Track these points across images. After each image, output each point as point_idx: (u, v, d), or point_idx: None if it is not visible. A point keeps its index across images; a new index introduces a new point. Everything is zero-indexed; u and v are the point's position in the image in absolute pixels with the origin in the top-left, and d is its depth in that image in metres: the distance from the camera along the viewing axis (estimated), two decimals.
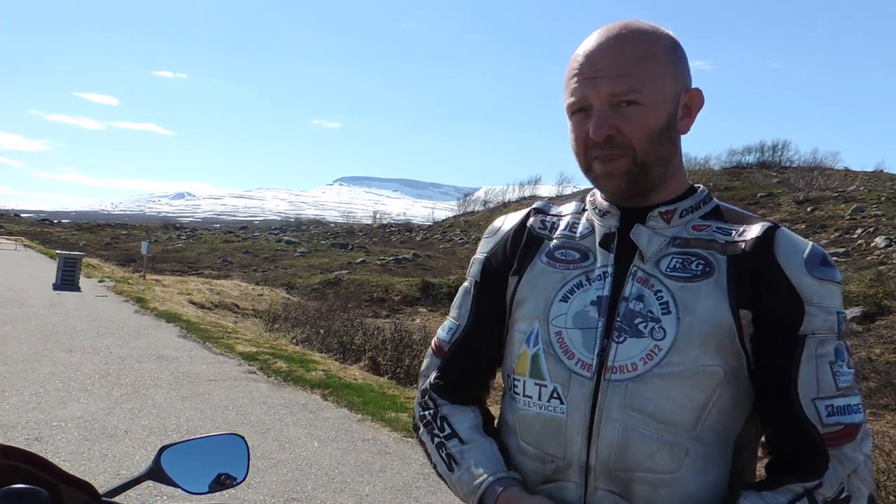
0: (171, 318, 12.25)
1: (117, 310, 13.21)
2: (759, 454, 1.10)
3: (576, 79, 1.05)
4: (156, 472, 1.09)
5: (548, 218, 1.19)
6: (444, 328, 1.23)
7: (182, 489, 1.09)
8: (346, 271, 33.83)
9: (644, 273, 1.04)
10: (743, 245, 1.03)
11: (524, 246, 1.16)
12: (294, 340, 11.77)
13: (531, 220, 1.20)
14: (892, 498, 4.25)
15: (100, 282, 19.06)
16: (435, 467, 1.15)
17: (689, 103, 1.08)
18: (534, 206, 1.23)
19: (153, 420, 5.59)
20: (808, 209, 30.44)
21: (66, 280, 16.57)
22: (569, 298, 1.07)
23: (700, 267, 1.02)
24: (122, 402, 6.07)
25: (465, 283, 1.24)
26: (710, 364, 0.98)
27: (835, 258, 21.03)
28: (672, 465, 0.97)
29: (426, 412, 1.18)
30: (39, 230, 61.83)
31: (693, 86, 1.09)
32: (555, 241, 1.14)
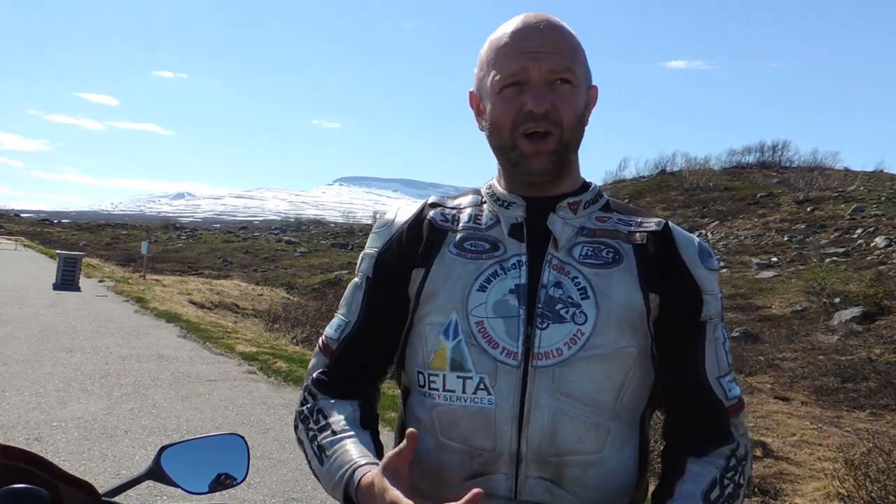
0: (171, 318, 12.25)
1: (117, 310, 13.21)
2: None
3: (511, 53, 1.06)
4: (156, 472, 1.09)
5: (447, 210, 1.17)
6: (331, 326, 1.18)
7: (182, 489, 1.09)
8: (346, 271, 33.81)
9: (559, 261, 1.07)
10: (645, 236, 1.11)
11: (427, 239, 1.13)
12: (294, 340, 11.77)
13: (430, 212, 1.16)
14: (892, 498, 4.25)
15: (100, 282, 19.06)
16: (310, 464, 1.09)
17: (590, 99, 1.15)
18: (428, 200, 1.20)
19: (153, 420, 5.60)
20: (808, 209, 30.43)
21: (66, 280, 16.57)
22: (486, 288, 1.06)
23: (610, 255, 1.08)
24: (122, 402, 6.08)
25: (356, 279, 1.19)
26: (627, 345, 1.04)
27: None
28: (597, 445, 1.02)
29: (304, 407, 1.13)
30: (39, 230, 61.86)
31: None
32: (461, 232, 1.12)
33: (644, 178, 46.24)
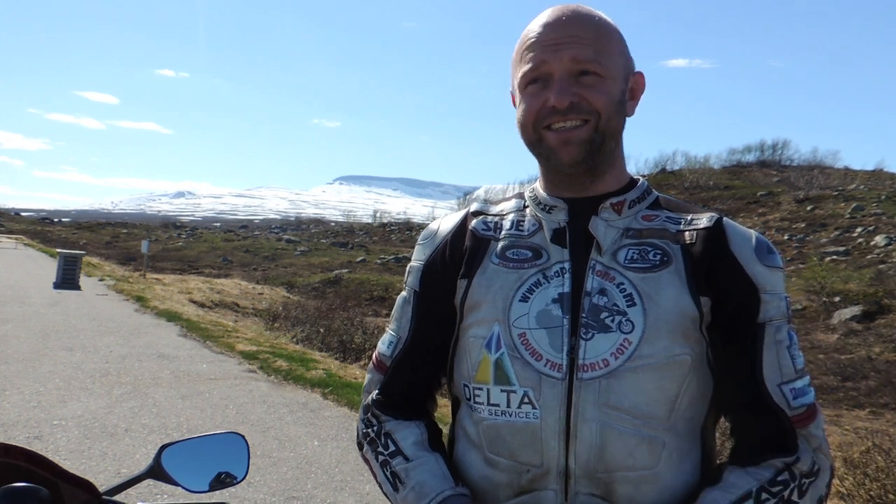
0: (172, 316, 12.25)
1: (117, 308, 13.21)
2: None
3: (534, 47, 1.03)
4: (156, 471, 1.09)
5: (489, 218, 1.14)
6: (384, 342, 1.17)
7: (182, 488, 1.09)
8: (346, 270, 33.82)
9: (603, 266, 1.02)
10: (694, 234, 1.04)
11: (470, 249, 1.10)
12: (294, 339, 11.77)
13: (472, 222, 1.14)
14: (891, 496, 4.25)
15: (100, 280, 19.07)
16: (381, 486, 1.09)
17: (633, 86, 1.09)
18: (471, 208, 1.18)
19: (153, 419, 5.60)
20: (808, 208, 30.44)
21: (67, 279, 16.57)
22: (528, 298, 1.02)
23: (658, 256, 1.02)
24: (122, 401, 6.08)
25: (403, 294, 1.17)
26: (680, 353, 0.98)
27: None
28: (651, 460, 0.97)
29: (369, 429, 1.12)
30: (40, 229, 61.91)
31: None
32: (503, 241, 1.09)
33: (644, 176, 46.28)
